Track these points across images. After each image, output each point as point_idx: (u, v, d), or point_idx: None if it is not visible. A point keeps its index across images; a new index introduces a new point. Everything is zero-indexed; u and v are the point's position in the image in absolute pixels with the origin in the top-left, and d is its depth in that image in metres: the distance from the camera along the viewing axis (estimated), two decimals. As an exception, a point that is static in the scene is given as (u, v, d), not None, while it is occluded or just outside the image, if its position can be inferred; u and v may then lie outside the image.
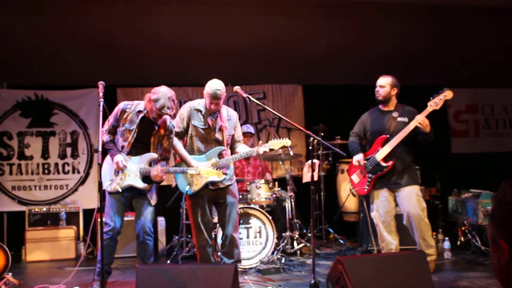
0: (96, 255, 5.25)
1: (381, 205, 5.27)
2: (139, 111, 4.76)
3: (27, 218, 6.94)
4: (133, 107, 4.80)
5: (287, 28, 6.86)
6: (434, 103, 4.98)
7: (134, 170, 4.74)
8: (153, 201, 4.91)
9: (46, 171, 7.37)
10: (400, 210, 5.29)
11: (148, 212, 4.86)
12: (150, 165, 4.79)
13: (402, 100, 5.39)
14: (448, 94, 4.98)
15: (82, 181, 7.43)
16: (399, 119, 5.20)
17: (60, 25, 6.44)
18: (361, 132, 5.53)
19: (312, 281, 4.37)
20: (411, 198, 5.14)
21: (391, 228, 5.29)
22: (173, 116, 4.89)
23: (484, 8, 6.36)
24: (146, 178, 4.78)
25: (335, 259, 4.02)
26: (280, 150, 6.39)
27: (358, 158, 5.37)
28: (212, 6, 6.35)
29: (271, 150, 4.90)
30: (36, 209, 6.98)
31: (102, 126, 4.64)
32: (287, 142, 4.86)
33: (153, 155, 4.82)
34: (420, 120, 4.94)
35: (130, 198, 4.86)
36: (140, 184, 4.75)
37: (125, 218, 5.45)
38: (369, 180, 5.31)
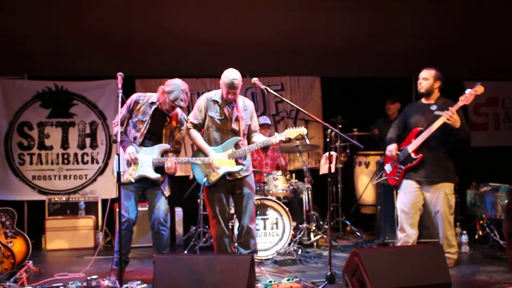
0: (114, 245, 5.31)
1: (408, 196, 5.29)
2: (152, 103, 4.82)
3: (47, 207, 7.04)
4: (146, 98, 4.86)
5: (305, 20, 6.82)
6: (465, 98, 4.95)
7: (147, 160, 4.78)
8: (167, 192, 4.96)
9: (65, 161, 7.46)
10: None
11: (162, 203, 4.91)
12: (162, 156, 4.83)
13: (442, 94, 5.35)
14: (479, 90, 4.93)
15: (101, 171, 7.50)
16: (436, 112, 5.17)
17: (79, 17, 6.48)
18: (401, 123, 5.53)
19: (328, 273, 4.38)
20: (439, 196, 5.16)
21: (413, 221, 5.29)
22: (188, 109, 4.91)
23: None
24: (158, 168, 4.82)
25: (351, 251, 4.02)
26: (297, 141, 6.44)
27: (390, 148, 5.40)
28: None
29: (287, 139, 4.89)
30: (56, 199, 7.08)
31: (115, 118, 4.69)
32: (303, 130, 4.84)
33: (165, 145, 4.87)
34: (448, 115, 4.91)
35: (142, 189, 4.90)
36: (153, 175, 4.80)
37: (142, 209, 5.53)
38: (399, 170, 5.34)
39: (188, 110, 5.94)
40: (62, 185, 7.41)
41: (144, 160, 4.78)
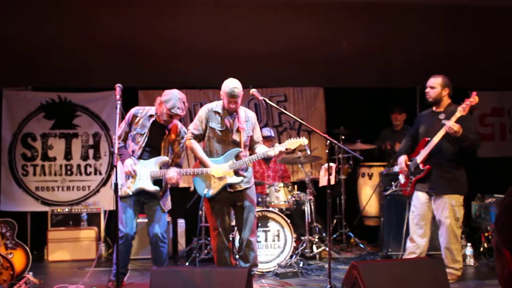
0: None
1: (418, 208, 5.22)
2: (151, 115, 4.81)
3: (50, 218, 7.02)
4: (144, 111, 4.87)
5: (308, 31, 6.83)
6: (462, 109, 4.87)
7: (145, 173, 4.77)
8: (166, 207, 4.94)
9: (68, 172, 7.47)
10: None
11: (160, 218, 4.89)
12: (161, 168, 4.81)
13: (453, 101, 5.24)
14: (473, 100, 4.85)
15: (104, 183, 7.50)
16: (444, 121, 5.02)
17: (83, 29, 6.53)
18: (414, 133, 5.46)
19: (328, 286, 4.33)
20: (445, 207, 5.05)
21: (424, 232, 5.20)
22: (189, 120, 4.91)
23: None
24: (157, 181, 4.80)
25: (350, 264, 3.97)
26: (299, 152, 6.41)
27: (400, 161, 5.38)
28: (235, 9, 6.36)
29: (287, 150, 4.85)
30: (59, 210, 7.07)
31: (119, 126, 4.70)
32: (303, 141, 4.81)
33: (164, 158, 4.85)
34: (448, 126, 4.83)
35: (141, 202, 4.89)
36: (151, 187, 4.78)
37: (144, 220, 5.50)
38: (410, 181, 5.30)
39: (191, 121, 5.92)
40: (65, 196, 7.41)
41: (142, 173, 4.77)
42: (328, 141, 4.68)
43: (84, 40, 6.71)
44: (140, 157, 4.81)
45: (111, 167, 7.51)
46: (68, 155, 7.49)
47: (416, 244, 5.21)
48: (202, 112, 5.00)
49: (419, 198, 5.23)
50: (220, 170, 4.73)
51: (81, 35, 6.63)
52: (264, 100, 4.77)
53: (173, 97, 4.64)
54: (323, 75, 7.80)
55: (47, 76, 7.34)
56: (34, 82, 7.46)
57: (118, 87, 4.32)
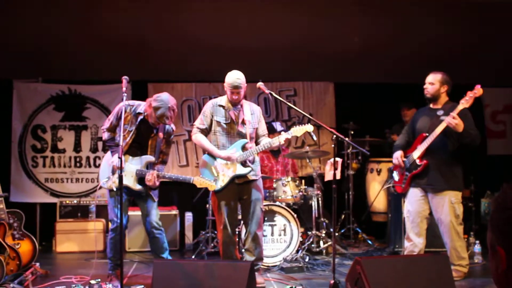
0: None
1: (413, 205, 5.15)
2: (139, 113, 4.75)
3: (58, 209, 7.08)
4: (133, 108, 4.77)
5: (319, 25, 6.80)
6: (465, 101, 4.81)
7: (131, 171, 4.75)
8: (156, 197, 4.94)
9: (78, 164, 7.51)
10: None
11: (152, 207, 4.90)
12: (147, 167, 4.79)
13: (450, 99, 5.18)
14: (477, 92, 4.78)
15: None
16: (442, 117, 4.96)
17: (93, 22, 6.56)
18: (410, 129, 5.39)
19: (332, 281, 4.31)
20: (444, 205, 4.97)
21: (420, 230, 5.13)
22: (199, 113, 4.88)
23: None
24: (142, 180, 4.78)
25: (354, 259, 3.95)
26: (307, 147, 6.38)
27: (396, 155, 5.28)
28: (244, 3, 6.34)
29: (293, 138, 4.85)
30: (67, 201, 7.12)
31: (103, 124, 4.79)
32: (309, 127, 4.77)
33: (150, 158, 4.82)
34: (449, 119, 4.78)
35: (132, 195, 4.89)
36: (135, 186, 4.77)
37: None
38: (405, 178, 5.21)
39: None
40: (74, 188, 7.46)
41: (128, 171, 4.73)
42: (335, 136, 4.61)
43: (94, 34, 6.73)
44: (126, 154, 4.77)
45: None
46: (77, 147, 7.53)
47: (413, 242, 5.14)
48: (207, 107, 5.03)
49: (414, 195, 5.15)
50: (202, 181, 4.70)
51: (91, 28, 6.66)
52: (271, 94, 4.74)
53: (163, 106, 4.54)
54: (334, 70, 7.76)
55: (57, 69, 7.39)
56: (45, 74, 7.51)
57: (125, 79, 4.30)
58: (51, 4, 6.20)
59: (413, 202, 5.15)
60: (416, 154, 5.08)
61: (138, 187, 4.78)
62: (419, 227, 5.13)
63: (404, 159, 5.22)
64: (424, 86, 5.17)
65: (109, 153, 4.92)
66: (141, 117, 4.75)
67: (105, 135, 4.87)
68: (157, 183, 4.79)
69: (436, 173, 5.01)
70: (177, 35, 6.88)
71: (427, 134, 5.02)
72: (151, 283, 3.82)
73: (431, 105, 5.22)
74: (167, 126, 4.90)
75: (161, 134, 4.85)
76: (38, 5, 6.22)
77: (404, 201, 5.44)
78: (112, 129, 4.86)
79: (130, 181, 4.75)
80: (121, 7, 6.35)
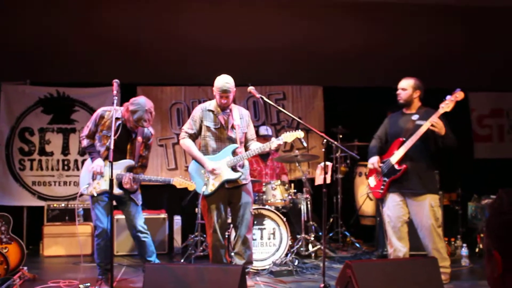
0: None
1: (392, 210, 5.14)
2: (117, 118, 4.73)
3: (46, 213, 7.02)
4: (111, 113, 4.74)
5: (308, 29, 6.82)
6: (446, 105, 4.85)
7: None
8: (139, 201, 4.93)
9: (65, 168, 7.46)
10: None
11: (136, 211, 4.91)
12: (127, 172, 4.78)
13: (423, 104, 5.24)
14: (459, 95, 4.84)
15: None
16: (418, 122, 5.01)
17: (83, 24, 6.52)
18: (383, 135, 5.39)
19: (322, 285, 4.32)
20: (424, 208, 4.99)
21: (401, 234, 5.14)
22: (187, 117, 4.87)
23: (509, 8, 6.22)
24: (122, 184, 4.78)
25: (344, 263, 3.97)
26: (297, 151, 6.40)
27: (372, 161, 5.25)
28: (233, 6, 6.34)
29: (283, 144, 4.86)
30: (55, 205, 7.07)
31: (82, 132, 4.82)
32: (299, 134, 4.81)
33: (130, 162, 4.81)
34: (432, 122, 4.81)
35: (115, 200, 4.85)
36: (115, 190, 4.73)
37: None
38: (384, 183, 5.19)
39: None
40: (62, 191, 7.40)
41: (108, 175, 4.71)
42: (325, 140, 4.64)
43: (84, 35, 6.69)
44: (106, 159, 4.74)
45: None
46: (65, 150, 7.48)
47: (395, 248, 5.14)
48: (196, 112, 5.04)
49: (393, 199, 5.14)
50: (182, 182, 4.71)
51: (80, 30, 6.62)
52: (262, 98, 4.76)
53: (140, 109, 4.55)
54: (323, 74, 7.79)
55: (45, 71, 7.34)
56: (33, 77, 7.45)
57: (115, 82, 4.29)
58: (40, 6, 6.14)
59: (392, 207, 5.14)
60: (394, 159, 5.06)
61: (118, 191, 4.76)
62: (400, 232, 5.13)
63: (381, 164, 5.21)
64: (397, 92, 5.21)
65: (89, 159, 4.88)
66: (119, 121, 4.75)
67: (84, 142, 4.86)
68: (135, 187, 4.80)
69: (415, 177, 5.03)
70: (166, 38, 6.86)
71: (404, 139, 5.03)
72: (142, 287, 3.80)
73: (404, 110, 5.25)
74: (145, 130, 4.90)
75: (140, 138, 4.84)
76: (27, 7, 6.16)
77: (382, 207, 5.43)
78: (91, 135, 4.84)
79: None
80: (112, 9, 6.28)
